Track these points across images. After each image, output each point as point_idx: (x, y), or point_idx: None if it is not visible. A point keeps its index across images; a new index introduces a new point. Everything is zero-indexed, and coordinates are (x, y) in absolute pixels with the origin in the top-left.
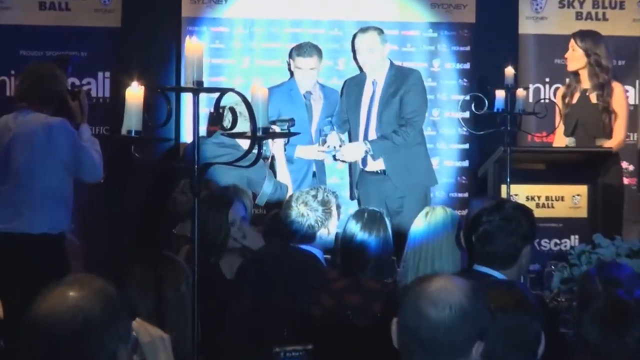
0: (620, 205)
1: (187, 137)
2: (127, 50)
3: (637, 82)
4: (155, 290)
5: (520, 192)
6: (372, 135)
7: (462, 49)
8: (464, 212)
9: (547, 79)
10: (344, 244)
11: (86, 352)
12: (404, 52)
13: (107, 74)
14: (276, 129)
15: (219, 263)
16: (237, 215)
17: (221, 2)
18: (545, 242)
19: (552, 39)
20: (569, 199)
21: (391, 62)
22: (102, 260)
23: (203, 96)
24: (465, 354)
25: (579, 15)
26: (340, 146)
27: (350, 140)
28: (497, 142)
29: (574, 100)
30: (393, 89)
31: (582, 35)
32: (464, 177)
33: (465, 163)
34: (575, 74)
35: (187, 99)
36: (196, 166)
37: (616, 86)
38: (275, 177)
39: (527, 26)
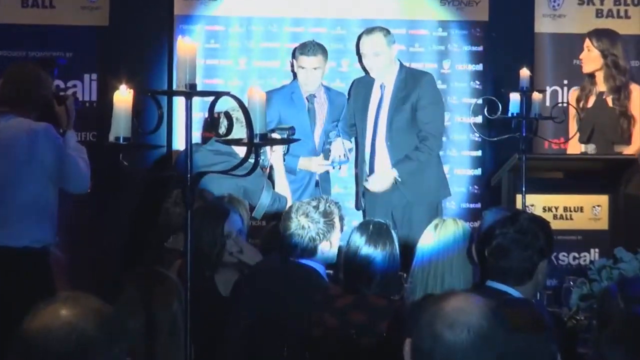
0: None
1: (179, 144)
2: (115, 51)
3: None
4: (145, 309)
5: (537, 203)
6: (381, 142)
7: (474, 49)
8: (476, 224)
9: (565, 81)
10: (348, 259)
11: None
12: (411, 53)
13: (94, 76)
14: (275, 137)
15: (214, 279)
16: (233, 227)
17: None
18: (563, 256)
19: (570, 38)
20: (588, 210)
21: (401, 64)
22: (89, 276)
23: (197, 100)
24: None
25: (599, 13)
26: (344, 156)
27: (357, 147)
28: (511, 149)
29: (590, 104)
30: (403, 94)
31: (598, 34)
32: (476, 187)
33: (478, 171)
34: (591, 75)
35: (179, 103)
36: (189, 175)
37: (634, 89)
38: (273, 188)
39: (544, 24)
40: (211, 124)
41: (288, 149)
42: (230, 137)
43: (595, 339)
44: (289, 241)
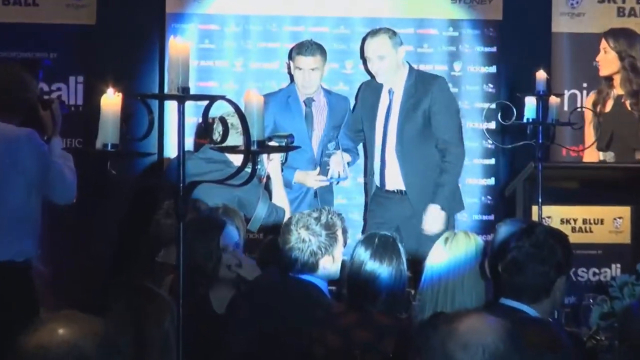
0: None
1: (171, 151)
2: (103, 51)
3: None
4: (135, 328)
5: (554, 215)
6: (391, 152)
7: (487, 49)
8: (489, 238)
9: (585, 84)
10: (352, 274)
11: None
12: (420, 54)
13: (80, 78)
14: (273, 145)
15: (209, 295)
16: (229, 240)
17: None
18: (583, 271)
19: (589, 38)
20: (609, 222)
21: (410, 67)
22: (73, 291)
23: (190, 104)
24: None
25: (620, 11)
26: (343, 172)
27: (365, 155)
28: (527, 157)
29: (608, 109)
30: (414, 100)
31: (615, 34)
32: (489, 197)
33: (491, 181)
34: (608, 78)
35: (171, 107)
36: (181, 185)
37: None
38: (270, 199)
39: (562, 23)
40: (205, 130)
41: (286, 159)
42: (225, 144)
43: None
44: (289, 255)
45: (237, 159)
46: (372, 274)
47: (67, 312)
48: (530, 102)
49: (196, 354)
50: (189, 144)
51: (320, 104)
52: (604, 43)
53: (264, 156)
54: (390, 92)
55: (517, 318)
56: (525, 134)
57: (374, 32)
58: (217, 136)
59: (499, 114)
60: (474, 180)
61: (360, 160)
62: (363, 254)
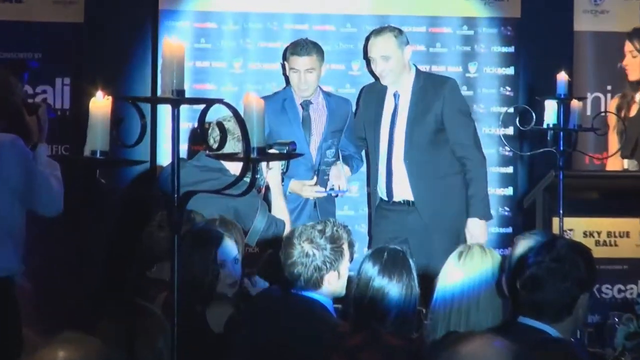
0: None
1: (164, 158)
2: (92, 52)
3: None
4: (126, 348)
5: (576, 227)
6: (398, 161)
7: (504, 49)
8: (507, 252)
9: (609, 87)
10: (359, 291)
11: None
12: (432, 54)
13: (67, 80)
14: (273, 152)
15: (206, 313)
16: (228, 254)
17: None
18: (607, 288)
19: (614, 38)
20: (635, 235)
21: (417, 69)
22: (60, 310)
23: (185, 108)
24: None
25: None
26: (342, 186)
27: (368, 164)
28: (547, 165)
29: (632, 113)
30: (424, 104)
31: (638, 34)
32: (506, 208)
33: (509, 191)
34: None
35: (165, 112)
36: (176, 195)
37: None
38: (269, 210)
39: (585, 22)
40: (201, 135)
41: (287, 168)
42: (222, 151)
43: None
44: (291, 271)
45: (233, 167)
46: (380, 291)
47: (70, 335)
48: (551, 106)
49: None
50: (183, 150)
51: (318, 107)
52: (629, 45)
53: (263, 165)
54: (395, 95)
55: (536, 338)
56: (545, 140)
57: (378, 31)
58: (212, 142)
59: (517, 119)
60: (490, 190)
61: (364, 168)
62: (371, 270)
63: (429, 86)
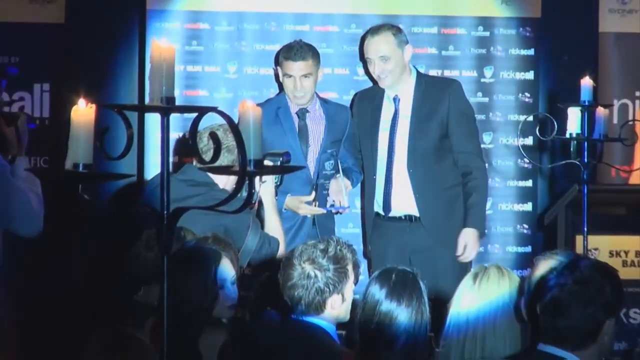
0: None
1: (153, 171)
2: (74, 55)
3: None
4: None
5: (602, 246)
6: (401, 171)
7: (523, 52)
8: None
9: (637, 93)
10: (365, 316)
11: None
12: (445, 57)
13: (46, 86)
14: (267, 164)
15: (199, 341)
16: (227, 274)
17: None
18: (635, 312)
19: None
20: None
21: (417, 72)
22: (39, 338)
23: (175, 117)
24: None
25: None
26: (342, 202)
27: (364, 175)
28: (570, 178)
29: None
30: (427, 109)
31: None
32: (525, 226)
33: (528, 206)
34: None
35: (153, 121)
36: (165, 212)
37: None
38: (262, 228)
39: (611, 22)
40: (193, 147)
41: (281, 181)
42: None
43: None
44: (291, 294)
45: (222, 181)
46: (388, 316)
47: None
48: (574, 114)
49: None
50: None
51: (315, 115)
52: None
53: (256, 178)
54: (395, 99)
55: None
56: (567, 151)
57: (375, 30)
58: (207, 155)
59: (537, 128)
60: (508, 205)
61: None
62: (378, 293)
63: (432, 89)
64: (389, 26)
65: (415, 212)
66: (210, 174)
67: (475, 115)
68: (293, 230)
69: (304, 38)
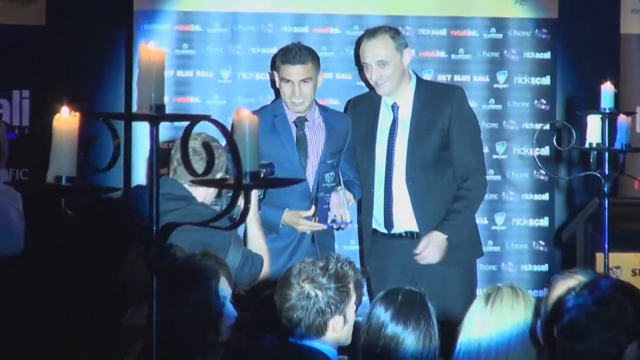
0: None
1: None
2: (55, 60)
3: None
4: None
5: (624, 264)
6: (400, 184)
7: (539, 56)
8: (543, 293)
9: None
10: (370, 340)
11: None
12: (454, 62)
13: (26, 92)
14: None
15: None
16: (226, 292)
17: None
18: None
19: None
20: None
21: (418, 77)
22: None
23: (164, 126)
24: None
25: None
26: (344, 217)
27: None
28: (589, 192)
29: None
30: (427, 118)
31: None
32: (541, 242)
33: (544, 221)
34: None
35: (141, 130)
36: (155, 228)
37: None
38: (244, 244)
39: (633, 23)
40: (184, 158)
41: (264, 194)
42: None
43: None
44: (289, 316)
45: (201, 195)
46: (394, 340)
47: None
48: (594, 123)
49: None
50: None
51: (315, 124)
52: None
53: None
54: (394, 107)
55: None
56: (587, 162)
57: (371, 32)
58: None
59: (554, 138)
60: (523, 220)
61: None
62: (383, 315)
63: (433, 96)
64: (387, 28)
65: (415, 227)
66: (188, 187)
67: (488, 124)
68: (291, 248)
69: (303, 40)
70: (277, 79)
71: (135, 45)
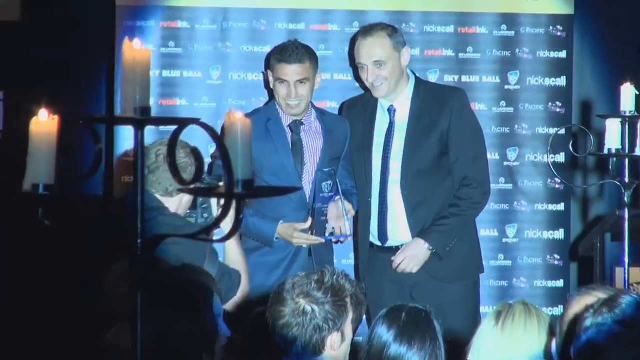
0: None
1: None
2: (32, 59)
3: None
4: None
5: None
6: (395, 192)
7: (553, 55)
8: (558, 311)
9: None
10: None
11: None
12: (462, 61)
13: (0, 94)
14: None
15: None
16: (220, 309)
17: None
18: None
19: None
20: None
21: (417, 78)
22: None
23: (149, 130)
24: None
25: None
26: (343, 229)
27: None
28: (609, 202)
29: None
30: (426, 122)
31: None
32: (556, 256)
33: (559, 234)
34: None
35: (125, 134)
36: (139, 240)
37: None
38: (219, 258)
39: None
40: (172, 165)
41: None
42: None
43: None
44: (284, 334)
45: (174, 205)
46: None
47: None
48: (613, 127)
49: None
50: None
51: (311, 128)
52: None
53: (213, 202)
54: (391, 110)
55: None
56: (606, 170)
57: (367, 30)
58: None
59: (571, 143)
60: (536, 232)
61: None
62: (386, 334)
63: (433, 99)
64: (384, 26)
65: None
66: (160, 197)
67: (499, 128)
68: (286, 263)
69: (299, 38)
70: (271, 79)
71: (118, 43)
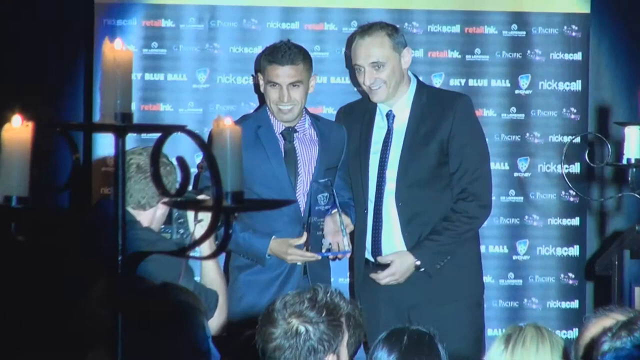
0: None
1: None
2: (4, 60)
3: None
4: None
5: None
6: (391, 207)
7: (567, 57)
8: (572, 334)
9: None
10: None
11: None
12: (469, 63)
13: None
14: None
15: None
16: (210, 330)
17: None
18: None
19: None
20: None
21: (418, 82)
22: None
23: (130, 138)
24: None
25: None
26: (341, 245)
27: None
28: (628, 216)
29: None
30: (427, 128)
31: None
32: (570, 275)
33: (574, 250)
34: None
35: (105, 141)
36: (120, 257)
37: None
38: (195, 276)
39: None
40: (155, 176)
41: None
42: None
43: None
44: (276, 357)
45: (147, 219)
46: None
47: None
48: (633, 135)
49: None
50: None
51: (305, 136)
52: None
53: (190, 216)
54: (389, 116)
55: None
56: (624, 181)
57: (365, 30)
58: (170, 184)
59: (586, 153)
60: (548, 249)
61: None
62: (386, 358)
63: (435, 104)
64: (383, 25)
65: None
66: (132, 210)
67: (508, 136)
68: (279, 282)
69: (292, 38)
70: (262, 82)
71: (97, 43)
